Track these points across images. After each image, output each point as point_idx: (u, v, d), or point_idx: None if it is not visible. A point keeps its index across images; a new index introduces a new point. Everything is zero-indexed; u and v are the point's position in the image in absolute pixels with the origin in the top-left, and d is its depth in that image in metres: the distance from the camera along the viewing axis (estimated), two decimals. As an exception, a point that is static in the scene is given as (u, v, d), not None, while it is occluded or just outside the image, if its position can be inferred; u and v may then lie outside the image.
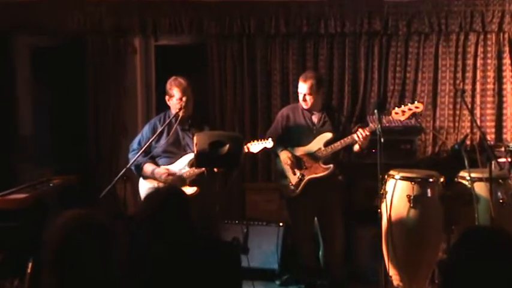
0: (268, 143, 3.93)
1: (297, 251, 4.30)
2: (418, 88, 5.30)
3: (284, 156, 4.08)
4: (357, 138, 3.94)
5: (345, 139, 4.00)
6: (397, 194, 3.83)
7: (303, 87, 4.07)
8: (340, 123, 4.19)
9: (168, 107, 3.99)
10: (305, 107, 4.11)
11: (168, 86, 3.94)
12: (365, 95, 5.32)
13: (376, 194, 3.76)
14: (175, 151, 3.93)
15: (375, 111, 3.84)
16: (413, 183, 3.79)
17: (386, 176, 3.89)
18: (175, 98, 3.89)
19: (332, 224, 4.16)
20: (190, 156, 3.84)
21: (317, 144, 4.08)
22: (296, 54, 5.32)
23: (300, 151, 4.11)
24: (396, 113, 3.97)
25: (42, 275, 1.77)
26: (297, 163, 4.08)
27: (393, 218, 3.79)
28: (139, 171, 3.93)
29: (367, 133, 3.92)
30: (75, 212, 1.84)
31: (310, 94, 4.06)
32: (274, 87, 5.36)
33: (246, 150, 3.90)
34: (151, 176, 3.89)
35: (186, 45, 5.48)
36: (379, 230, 3.78)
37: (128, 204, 3.71)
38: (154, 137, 3.84)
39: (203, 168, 3.63)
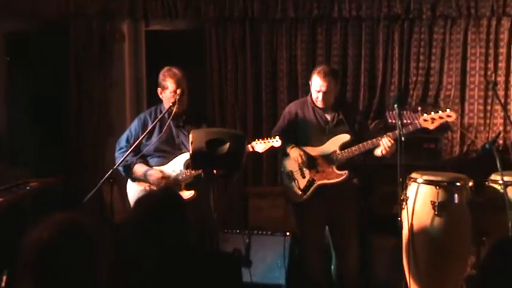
0: (276, 142, 3.91)
1: (306, 264, 4.29)
2: (444, 80, 5.29)
3: (295, 153, 4.06)
4: (382, 147, 3.92)
5: (365, 144, 3.98)
6: (419, 200, 3.82)
7: (322, 85, 4.02)
8: (355, 121, 4.17)
9: (160, 101, 3.99)
10: (321, 106, 4.09)
11: (161, 77, 3.94)
12: (383, 87, 5.32)
13: (396, 200, 3.75)
14: (168, 150, 3.92)
15: (395, 106, 3.82)
16: (438, 187, 3.77)
17: (407, 180, 3.88)
18: (168, 91, 3.89)
19: (345, 233, 4.15)
20: (185, 156, 3.83)
21: (332, 146, 4.07)
22: (305, 41, 5.32)
23: (312, 151, 4.11)
24: (425, 120, 3.96)
25: (18, 284, 1.78)
26: (309, 163, 4.07)
27: (415, 227, 3.78)
28: (128, 172, 3.92)
29: (392, 141, 3.92)
30: (59, 215, 1.85)
31: (329, 93, 4.05)
32: (280, 78, 5.35)
33: (251, 150, 3.88)
34: (143, 178, 3.89)
35: (181, 31, 5.48)
36: (399, 241, 3.77)
37: (115, 210, 3.71)
38: (145, 134, 3.83)
39: (201, 170, 3.62)
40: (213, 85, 5.36)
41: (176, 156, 3.90)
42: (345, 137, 4.05)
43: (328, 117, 4.12)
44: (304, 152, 4.06)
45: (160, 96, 3.96)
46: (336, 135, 4.06)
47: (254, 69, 5.36)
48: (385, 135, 3.94)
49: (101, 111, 5.37)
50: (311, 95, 4.14)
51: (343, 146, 4.04)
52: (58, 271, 1.76)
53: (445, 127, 4.91)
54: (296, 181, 4.10)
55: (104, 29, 5.34)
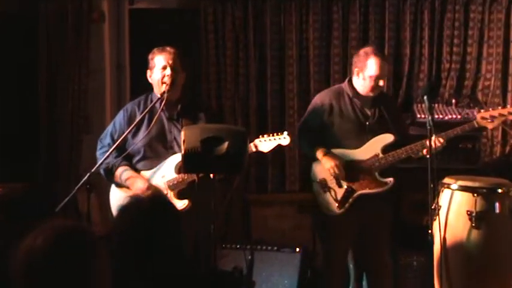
0: (284, 139, 3.88)
1: (326, 285, 4.25)
2: (482, 67, 5.29)
3: (329, 163, 4.00)
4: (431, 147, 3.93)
5: (413, 146, 3.97)
6: (454, 210, 3.82)
7: (384, 68, 4.02)
8: (396, 117, 4.15)
9: (151, 89, 3.94)
10: (372, 94, 4.06)
11: (150, 56, 3.90)
12: (411, 76, 5.32)
13: (426, 210, 3.75)
14: (158, 149, 3.89)
15: (424, 98, 3.82)
16: (476, 195, 3.77)
17: (439, 186, 3.88)
18: (157, 68, 3.84)
19: (378, 251, 4.14)
20: (177, 158, 3.80)
21: (373, 148, 4.04)
22: (319, 21, 5.32)
23: (349, 155, 4.06)
24: (483, 118, 3.97)
25: None
26: (347, 170, 4.02)
27: (449, 241, 3.78)
28: (110, 176, 3.91)
29: (443, 141, 3.92)
30: (58, 221, 1.87)
31: (387, 78, 4.06)
32: (289, 65, 5.36)
33: (254, 150, 3.86)
34: (126, 185, 3.87)
35: (171, 10, 5.48)
36: (430, 258, 3.77)
37: (93, 221, 3.71)
38: (131, 128, 3.79)
39: (195, 175, 3.60)
40: (210, 73, 5.36)
41: (167, 157, 3.87)
42: (389, 138, 4.02)
43: (368, 112, 4.10)
44: (340, 160, 4.01)
45: (150, 81, 3.92)
46: (376, 134, 4.04)
47: (258, 55, 5.36)
48: (434, 136, 3.92)
49: (77, 105, 5.37)
50: (349, 83, 4.12)
51: (387, 149, 4.00)
52: (50, 283, 1.77)
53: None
54: (332, 191, 4.06)
55: (79, 7, 5.34)
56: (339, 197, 4.04)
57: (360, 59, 4.05)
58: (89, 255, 1.83)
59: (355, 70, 4.08)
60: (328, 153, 4.04)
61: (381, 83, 4.02)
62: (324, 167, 4.03)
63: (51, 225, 1.85)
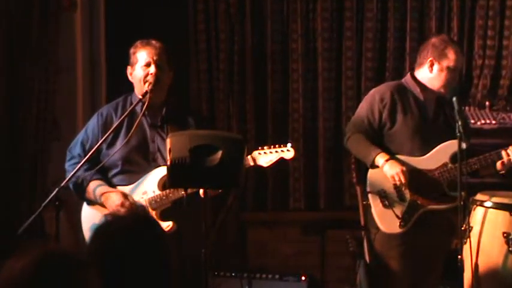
0: (287, 152, 3.86)
1: None
2: (521, 64, 5.32)
3: (394, 169, 3.96)
4: (505, 158, 3.94)
5: (487, 155, 3.97)
6: (488, 231, 3.83)
7: (461, 62, 4.12)
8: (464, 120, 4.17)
9: (131, 88, 3.95)
10: (443, 90, 4.06)
11: (131, 50, 3.90)
12: (437, 73, 5.34)
13: (455, 231, 3.76)
14: (139, 161, 3.89)
15: (453, 99, 3.83)
16: (513, 213, 3.80)
17: (471, 203, 3.90)
18: (139, 65, 3.84)
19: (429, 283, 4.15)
20: (161, 171, 3.81)
21: (441, 156, 4.04)
22: (328, 9, 5.34)
23: (413, 163, 4.05)
24: None
25: None
26: (412, 182, 4.00)
27: (482, 268, 3.80)
28: (80, 193, 3.91)
29: None
30: (44, 247, 1.88)
31: None
32: (293, 61, 5.38)
33: (251, 163, 3.86)
34: (99, 202, 3.87)
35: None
36: (460, 287, 3.78)
37: (63, 244, 3.71)
38: (105, 136, 3.78)
39: (182, 192, 3.61)
40: (200, 71, 5.38)
41: (149, 171, 3.87)
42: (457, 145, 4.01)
43: (433, 113, 4.13)
44: (408, 167, 4.00)
45: (131, 79, 3.92)
46: (442, 139, 4.03)
47: (256, 48, 5.38)
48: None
49: (43, 107, 5.37)
50: (412, 78, 4.14)
51: (455, 157, 3.93)
52: None
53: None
54: (393, 204, 4.04)
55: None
56: (401, 212, 4.02)
57: (437, 47, 4.06)
58: (74, 285, 1.84)
59: (427, 61, 4.07)
60: (392, 158, 4.01)
61: (456, 77, 4.07)
62: (386, 173, 4.00)
63: (36, 248, 1.86)
